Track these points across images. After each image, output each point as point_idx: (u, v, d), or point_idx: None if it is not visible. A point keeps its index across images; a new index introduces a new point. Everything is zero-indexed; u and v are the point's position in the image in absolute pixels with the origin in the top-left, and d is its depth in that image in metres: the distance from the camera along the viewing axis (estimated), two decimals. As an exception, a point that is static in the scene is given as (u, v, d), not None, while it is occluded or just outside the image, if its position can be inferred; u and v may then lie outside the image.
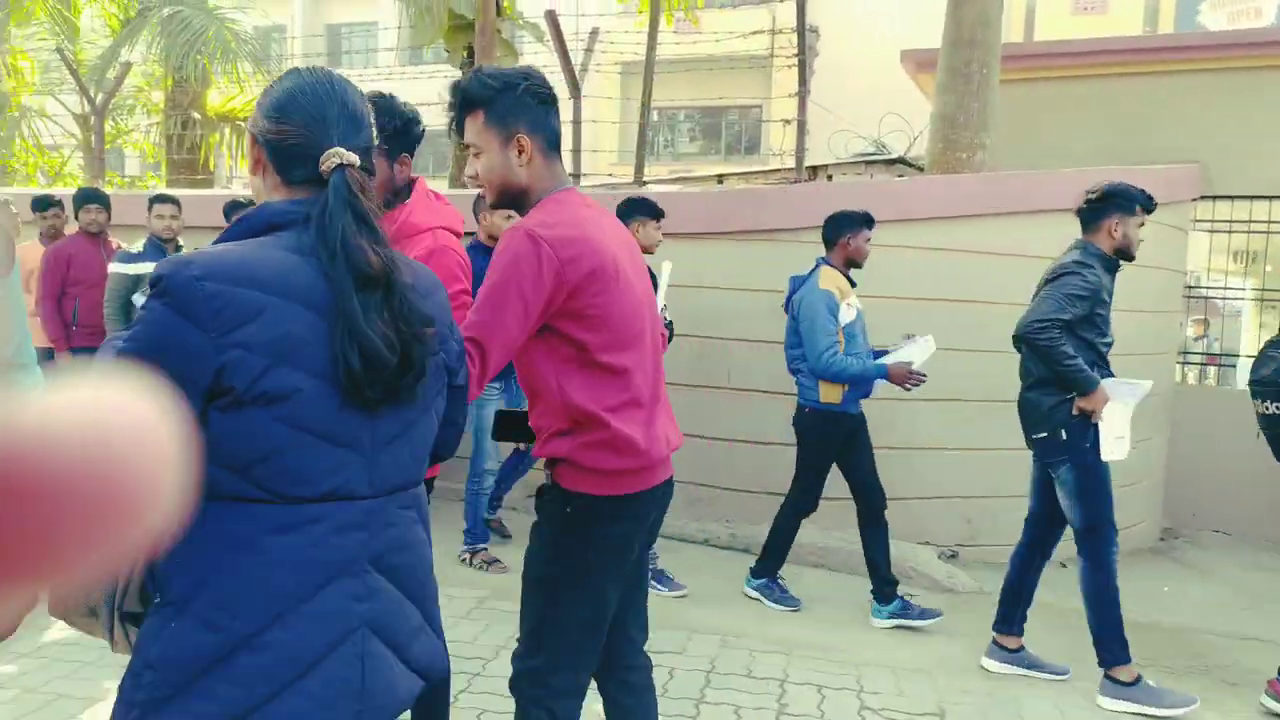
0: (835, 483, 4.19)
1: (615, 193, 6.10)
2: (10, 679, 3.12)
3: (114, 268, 5.07)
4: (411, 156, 2.29)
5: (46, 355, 5.42)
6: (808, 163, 6.00)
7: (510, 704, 3.15)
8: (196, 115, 10.81)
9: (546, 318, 1.85)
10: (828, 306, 3.95)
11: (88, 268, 5.32)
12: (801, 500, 4.21)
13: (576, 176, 6.28)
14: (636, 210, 4.23)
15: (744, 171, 9.71)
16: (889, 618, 4.07)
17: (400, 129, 2.21)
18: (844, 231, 4.10)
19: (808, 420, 4.14)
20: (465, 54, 8.91)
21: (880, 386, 4.08)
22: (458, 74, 9.40)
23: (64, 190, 9.13)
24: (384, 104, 2.16)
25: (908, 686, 3.46)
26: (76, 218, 5.44)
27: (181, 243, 5.19)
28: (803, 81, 5.53)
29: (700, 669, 3.49)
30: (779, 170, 7.71)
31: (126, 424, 0.15)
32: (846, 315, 4.01)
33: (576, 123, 6.22)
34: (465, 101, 1.91)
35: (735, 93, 15.61)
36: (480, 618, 3.92)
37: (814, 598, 4.39)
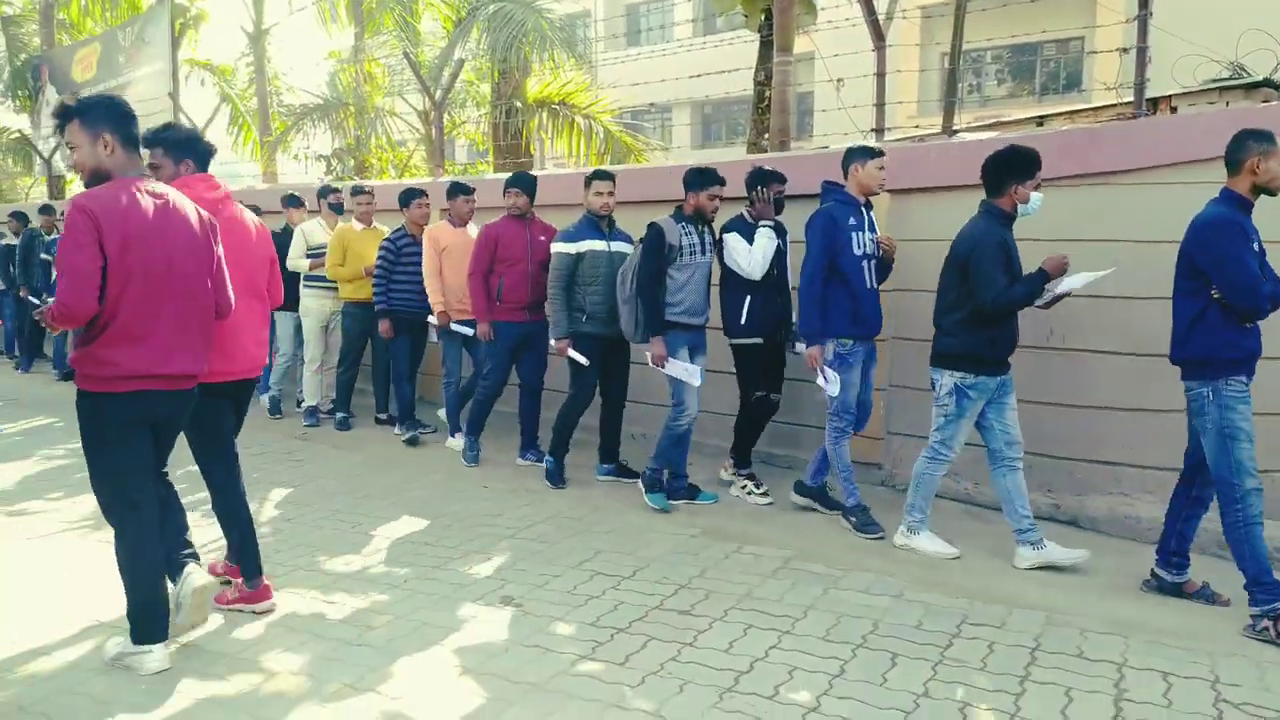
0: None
1: (921, 144, 5.79)
2: (384, 607, 3.64)
3: (556, 247, 5.30)
4: (194, 161, 3.49)
5: (469, 325, 6.09)
6: (1146, 94, 5.31)
7: (821, 662, 3.18)
8: (518, 103, 11.72)
9: (106, 260, 2.78)
10: None
11: (513, 247, 5.72)
12: None
13: (879, 131, 6.03)
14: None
15: (1067, 110, 8.81)
16: None
17: (181, 141, 3.50)
18: None
19: None
20: (763, 16, 8.87)
21: None
22: (755, 38, 9.40)
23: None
24: (177, 129, 3.58)
25: (1276, 681, 3.03)
26: (504, 197, 5.80)
27: (614, 218, 5.36)
28: (1144, 4, 4.88)
29: (1024, 645, 3.28)
30: (1113, 105, 6.90)
31: None
32: None
33: (880, 75, 5.96)
34: (65, 114, 2.92)
35: (1053, 25, 14.17)
36: (786, 577, 3.96)
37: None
